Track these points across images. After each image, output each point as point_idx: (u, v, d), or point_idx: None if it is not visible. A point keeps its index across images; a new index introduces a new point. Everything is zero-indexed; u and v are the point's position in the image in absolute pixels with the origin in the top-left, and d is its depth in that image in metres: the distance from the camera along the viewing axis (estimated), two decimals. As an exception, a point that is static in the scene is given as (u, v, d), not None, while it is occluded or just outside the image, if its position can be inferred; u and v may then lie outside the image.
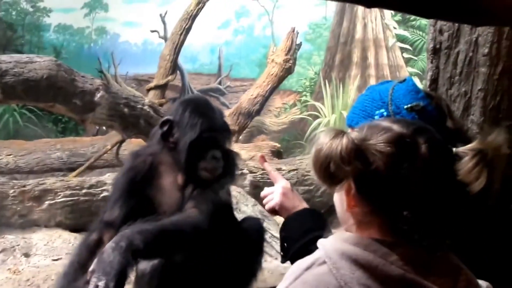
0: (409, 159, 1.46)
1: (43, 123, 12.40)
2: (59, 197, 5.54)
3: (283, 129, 12.83)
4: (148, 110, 7.42)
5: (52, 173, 9.28)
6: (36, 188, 5.50)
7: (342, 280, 1.43)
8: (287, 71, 10.58)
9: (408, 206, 1.47)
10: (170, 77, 10.77)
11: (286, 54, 10.43)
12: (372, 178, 1.47)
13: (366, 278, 1.43)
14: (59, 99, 6.81)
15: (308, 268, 1.50)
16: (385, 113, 1.93)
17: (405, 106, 1.92)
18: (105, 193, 5.73)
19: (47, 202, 5.46)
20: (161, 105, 9.28)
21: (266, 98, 10.59)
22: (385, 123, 1.54)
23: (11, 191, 5.37)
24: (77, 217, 5.58)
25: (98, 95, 6.94)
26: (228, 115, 10.28)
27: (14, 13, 13.44)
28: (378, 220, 1.51)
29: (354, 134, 1.49)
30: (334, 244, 1.52)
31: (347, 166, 1.44)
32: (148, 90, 10.66)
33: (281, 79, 10.63)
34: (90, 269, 2.45)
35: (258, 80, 10.76)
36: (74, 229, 5.43)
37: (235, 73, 13.95)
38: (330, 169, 1.46)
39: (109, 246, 2.49)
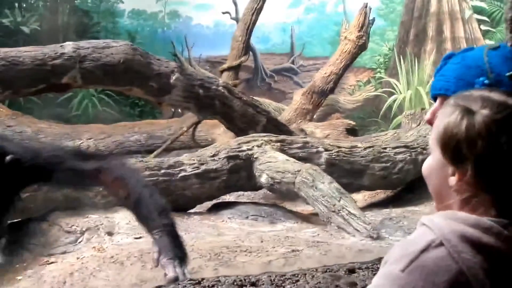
0: None
1: (120, 107, 12.70)
2: (139, 177, 5.65)
3: (357, 107, 12.70)
4: (222, 91, 7.51)
5: (131, 155, 9.50)
6: (116, 170, 5.62)
7: (464, 265, 1.38)
8: (361, 48, 10.42)
9: None
10: (242, 58, 10.81)
11: (359, 31, 10.28)
12: (495, 158, 1.41)
13: (488, 263, 1.37)
14: (136, 83, 6.97)
15: (423, 251, 1.42)
16: (486, 81, 1.82)
17: (507, 74, 1.84)
18: (182, 173, 5.83)
19: (128, 183, 5.58)
20: (235, 86, 9.35)
21: (339, 76, 10.47)
22: (497, 97, 1.48)
23: (94, 172, 5.51)
24: (157, 196, 5.70)
25: (174, 77, 7.06)
26: (302, 94, 10.26)
27: (89, 0, 13.78)
28: (489, 199, 1.44)
29: (482, 113, 1.43)
30: (450, 225, 1.44)
31: (473, 148, 1.41)
32: (222, 71, 10.73)
33: (354, 56, 10.49)
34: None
35: (331, 58, 10.65)
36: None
37: (308, 51, 13.88)
38: (455, 148, 1.44)
39: None
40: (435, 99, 1.95)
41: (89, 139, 10.31)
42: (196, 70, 8.77)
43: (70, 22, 13.23)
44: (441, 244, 1.41)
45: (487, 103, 1.46)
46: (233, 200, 6.58)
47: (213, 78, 8.09)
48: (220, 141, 8.03)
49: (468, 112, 1.43)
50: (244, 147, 6.28)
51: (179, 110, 10.99)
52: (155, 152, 9.18)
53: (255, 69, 13.76)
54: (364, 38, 10.30)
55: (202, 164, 6.05)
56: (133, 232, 4.93)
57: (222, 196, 6.39)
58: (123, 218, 5.18)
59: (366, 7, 10.43)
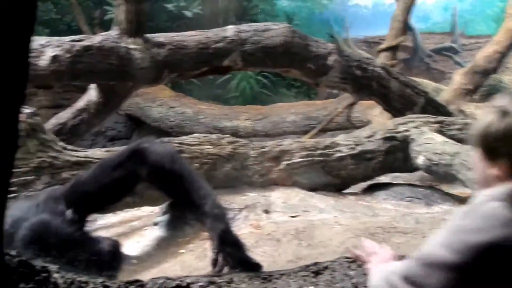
0: None
1: (277, 89, 12.93)
2: (296, 157, 5.76)
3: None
4: (380, 71, 7.45)
5: (287, 136, 9.68)
6: (274, 150, 5.75)
7: None
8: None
9: None
10: (401, 38, 10.58)
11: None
12: None
13: None
14: (295, 64, 7.10)
15: (479, 205, 1.80)
16: None
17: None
18: (338, 154, 5.87)
19: (284, 162, 5.71)
20: (392, 66, 9.21)
21: (503, 55, 9.98)
22: None
23: (252, 152, 5.68)
24: (312, 176, 5.79)
25: (331, 58, 7.12)
26: (462, 74, 9.92)
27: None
28: None
29: None
30: (503, 188, 1.78)
31: (508, 146, 1.74)
32: (379, 52, 10.59)
33: (521, 33, 9.95)
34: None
35: (496, 36, 10.16)
36: (309, 188, 5.64)
37: (470, 30, 13.37)
38: (495, 147, 1.76)
39: None
40: None
41: (247, 119, 10.64)
42: (353, 51, 8.72)
43: (230, 5, 13.60)
44: (497, 199, 1.77)
45: None
46: (388, 181, 6.52)
47: (371, 58, 8.02)
48: (376, 122, 7.99)
49: (504, 114, 1.73)
50: (401, 128, 6.20)
51: (336, 91, 11.01)
52: (310, 133, 9.31)
53: (414, 48, 13.46)
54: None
55: (358, 145, 6.06)
56: (289, 211, 5.04)
57: (377, 177, 6.36)
58: (279, 197, 5.31)
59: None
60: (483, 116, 1.79)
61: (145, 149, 3.42)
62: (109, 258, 3.11)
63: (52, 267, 2.33)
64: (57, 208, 3.06)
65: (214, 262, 3.07)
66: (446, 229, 1.84)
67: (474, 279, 1.73)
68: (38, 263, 2.26)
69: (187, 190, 3.39)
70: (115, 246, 3.23)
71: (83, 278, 2.37)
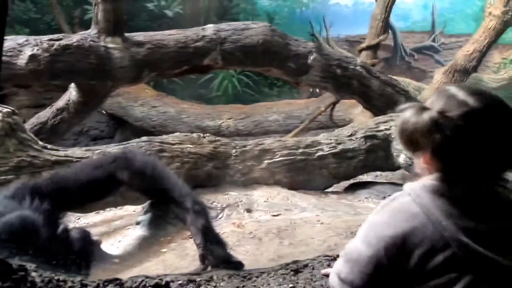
0: (480, 132, 1.79)
1: (259, 88, 12.93)
2: (277, 156, 5.76)
3: (502, 85, 12.08)
4: (360, 70, 7.47)
5: (269, 135, 9.68)
6: (255, 148, 5.76)
7: (424, 207, 1.81)
8: (506, 24, 9.91)
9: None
10: (381, 37, 10.61)
11: (505, 6, 9.78)
12: (447, 145, 1.81)
13: (446, 205, 1.79)
14: (275, 63, 7.10)
15: (393, 200, 1.91)
16: None
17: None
18: (320, 153, 5.88)
19: (266, 161, 5.72)
20: (373, 65, 9.25)
21: (483, 54, 10.01)
22: (461, 96, 1.85)
23: (233, 151, 5.68)
24: (294, 175, 5.79)
25: (311, 57, 7.13)
26: (443, 73, 9.96)
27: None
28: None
29: (433, 111, 1.83)
30: (417, 182, 1.90)
31: (427, 138, 1.81)
32: (360, 51, 10.61)
33: (499, 32, 9.98)
34: None
35: (475, 35, 10.19)
36: (291, 187, 5.65)
37: (450, 29, 13.44)
38: (413, 140, 1.85)
39: None
40: None
41: (229, 119, 10.62)
42: (334, 50, 8.75)
43: (210, 5, 13.58)
44: (408, 194, 1.87)
45: (445, 99, 1.86)
46: (370, 180, 6.55)
47: (351, 57, 8.05)
48: (358, 120, 8.00)
49: (419, 110, 1.86)
50: (382, 127, 6.22)
51: (317, 90, 11.03)
52: (293, 132, 9.31)
53: (394, 47, 13.51)
54: (510, 13, 9.79)
55: (340, 143, 6.07)
56: (271, 210, 5.05)
57: (359, 176, 6.38)
58: (262, 196, 5.31)
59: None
60: (402, 114, 1.90)
61: (127, 155, 3.50)
62: (80, 246, 3.09)
63: (30, 265, 2.31)
64: (30, 200, 3.05)
65: (203, 258, 3.08)
66: (364, 224, 1.96)
67: (389, 271, 1.83)
68: (15, 261, 2.24)
69: (168, 190, 3.43)
70: (86, 234, 3.23)
71: (61, 277, 2.35)
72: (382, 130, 6.16)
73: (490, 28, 9.87)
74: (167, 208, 4.12)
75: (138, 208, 4.89)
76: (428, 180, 1.89)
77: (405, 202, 1.88)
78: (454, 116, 1.81)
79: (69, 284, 2.36)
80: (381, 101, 7.47)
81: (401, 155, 5.87)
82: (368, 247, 1.89)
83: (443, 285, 1.76)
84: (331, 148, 6.00)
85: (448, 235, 1.76)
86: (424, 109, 1.87)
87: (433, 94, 1.98)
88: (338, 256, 2.93)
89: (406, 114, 1.88)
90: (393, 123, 6.13)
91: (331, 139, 6.11)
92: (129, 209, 5.07)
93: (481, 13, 10.87)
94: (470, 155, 1.82)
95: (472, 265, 1.74)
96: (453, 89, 1.91)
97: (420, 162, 1.93)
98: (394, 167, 6.20)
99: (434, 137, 1.80)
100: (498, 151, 1.83)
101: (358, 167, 6.10)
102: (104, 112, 10.43)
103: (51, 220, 3.01)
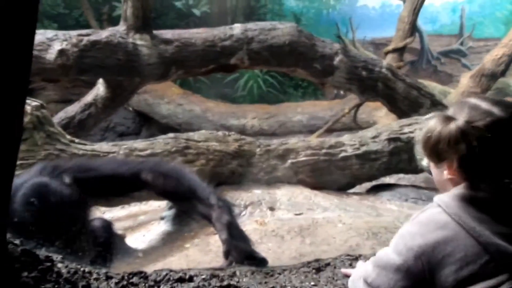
0: (506, 140, 1.82)
1: (284, 88, 12.93)
2: (301, 156, 5.76)
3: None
4: (386, 73, 7.44)
5: (293, 135, 9.68)
6: (280, 148, 5.76)
7: (456, 215, 1.84)
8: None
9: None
10: (408, 40, 10.57)
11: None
12: (473, 155, 1.83)
13: (478, 212, 1.81)
14: (301, 64, 7.09)
15: (423, 211, 1.99)
16: None
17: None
18: (343, 154, 5.87)
19: (290, 161, 5.72)
20: (399, 68, 9.20)
21: (512, 58, 9.95)
22: (485, 106, 1.86)
23: (258, 149, 5.68)
24: (317, 175, 5.78)
25: (337, 59, 7.11)
26: (470, 77, 9.90)
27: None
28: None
29: (460, 120, 1.85)
30: (446, 193, 1.94)
31: (453, 148, 1.85)
32: (386, 53, 10.58)
33: (529, 37, 9.92)
34: None
35: (504, 39, 10.11)
36: (314, 187, 5.64)
37: (478, 32, 13.31)
38: (438, 150, 1.90)
39: None
40: None
41: (254, 118, 10.65)
42: (359, 52, 8.73)
43: (237, 5, 13.61)
44: (438, 206, 1.93)
45: (469, 110, 1.87)
46: (393, 182, 6.52)
47: (377, 60, 8.02)
48: (382, 123, 7.97)
49: (444, 119, 1.89)
50: (406, 130, 6.19)
51: (342, 92, 11.01)
52: (316, 133, 9.30)
53: (421, 50, 13.43)
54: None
55: (363, 145, 6.05)
56: (293, 209, 5.04)
57: (382, 178, 6.36)
58: (284, 195, 5.31)
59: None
60: (427, 124, 1.95)
61: (155, 160, 3.62)
62: (103, 236, 3.14)
63: (56, 256, 2.35)
64: (55, 175, 3.09)
65: (227, 254, 3.10)
66: (396, 235, 2.04)
67: (419, 280, 1.88)
68: (42, 252, 2.27)
69: (192, 189, 3.48)
70: (108, 224, 3.28)
71: (87, 268, 2.38)
72: (406, 133, 6.13)
73: (519, 32, 9.79)
74: (191, 205, 4.17)
75: (163, 203, 4.93)
76: (457, 190, 1.91)
77: (435, 212, 1.93)
78: (480, 126, 1.82)
79: (95, 276, 2.40)
80: (406, 104, 7.43)
81: (425, 159, 5.83)
82: (398, 256, 1.94)
83: None
84: (355, 150, 5.98)
85: (484, 241, 1.77)
86: (449, 119, 1.89)
87: (454, 105, 2.00)
88: (360, 256, 2.95)
89: (431, 124, 1.93)
90: (417, 126, 6.11)
91: (354, 141, 6.09)
92: (153, 204, 5.11)
93: (511, 17, 10.75)
94: (496, 163, 1.84)
95: (509, 268, 1.75)
96: (475, 100, 1.94)
97: (444, 174, 1.97)
98: (417, 170, 6.17)
99: (460, 146, 1.83)
100: None
101: (381, 169, 6.08)
102: (130, 108, 10.51)
103: (71, 189, 3.05)
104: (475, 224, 1.79)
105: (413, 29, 10.88)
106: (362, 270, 2.15)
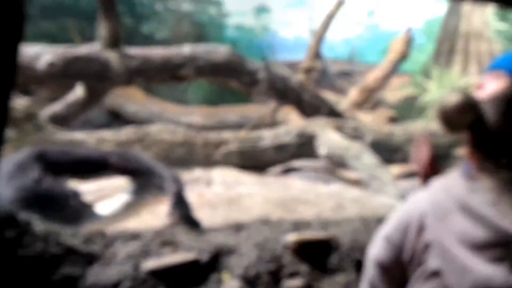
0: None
1: (223, 95, 12.80)
2: (232, 145, 5.73)
3: (399, 101, 12.29)
4: (296, 86, 7.48)
5: (228, 130, 9.59)
6: (216, 139, 5.73)
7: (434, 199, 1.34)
8: (403, 57, 10.17)
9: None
10: (314, 63, 10.68)
11: (403, 46, 10.02)
12: (482, 127, 1.31)
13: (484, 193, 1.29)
14: (233, 77, 7.08)
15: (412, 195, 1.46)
16: None
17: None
18: (263, 144, 5.86)
19: (223, 149, 5.68)
20: (306, 83, 9.27)
21: (387, 77, 10.24)
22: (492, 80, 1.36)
23: (199, 140, 5.63)
24: (244, 159, 5.79)
25: (261, 74, 7.09)
26: (356, 91, 10.13)
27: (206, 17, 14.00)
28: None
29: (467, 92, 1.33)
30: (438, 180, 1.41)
31: (462, 118, 1.31)
32: (298, 72, 10.65)
33: (399, 63, 10.23)
34: None
35: (381, 64, 10.39)
36: (241, 168, 5.63)
37: (365, 58, 13.63)
38: (450, 119, 1.33)
39: None
40: None
41: (199, 116, 10.52)
42: (277, 70, 8.75)
43: (189, 32, 13.44)
44: (425, 190, 1.40)
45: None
46: (299, 165, 6.56)
47: (290, 76, 8.06)
48: (293, 122, 8.02)
49: (462, 92, 1.33)
50: (310, 127, 6.26)
51: (265, 99, 11.01)
52: (245, 128, 9.26)
53: (322, 70, 13.59)
54: (406, 51, 10.04)
55: (278, 137, 6.08)
56: (224, 185, 5.00)
57: (292, 162, 6.39)
58: (218, 174, 5.27)
59: (409, 30, 10.23)
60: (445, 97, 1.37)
61: (120, 150, 3.55)
62: (72, 201, 3.04)
63: (34, 218, 2.23)
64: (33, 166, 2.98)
65: (171, 217, 3.05)
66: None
67: (392, 270, 1.40)
68: (21, 216, 2.15)
69: (151, 167, 3.43)
70: (77, 194, 3.18)
71: (57, 229, 2.27)
72: (310, 129, 6.21)
73: (392, 60, 10.06)
74: (148, 180, 4.07)
75: (126, 180, 4.80)
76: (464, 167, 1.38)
77: (419, 196, 1.41)
78: (487, 98, 1.33)
79: (64, 234, 2.29)
80: (310, 108, 7.49)
81: (322, 148, 5.91)
82: (375, 248, 1.45)
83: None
84: (272, 141, 6.01)
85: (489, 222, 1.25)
86: (466, 93, 1.34)
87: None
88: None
89: (448, 96, 1.35)
90: (317, 125, 6.18)
91: (272, 135, 6.12)
92: (118, 181, 4.96)
93: (387, 49, 11.03)
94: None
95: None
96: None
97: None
98: (317, 157, 6.25)
99: (468, 115, 1.31)
100: None
101: (291, 156, 6.12)
102: (103, 107, 10.20)
103: (53, 181, 2.94)
104: (480, 206, 1.26)
105: (318, 54, 11.01)
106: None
